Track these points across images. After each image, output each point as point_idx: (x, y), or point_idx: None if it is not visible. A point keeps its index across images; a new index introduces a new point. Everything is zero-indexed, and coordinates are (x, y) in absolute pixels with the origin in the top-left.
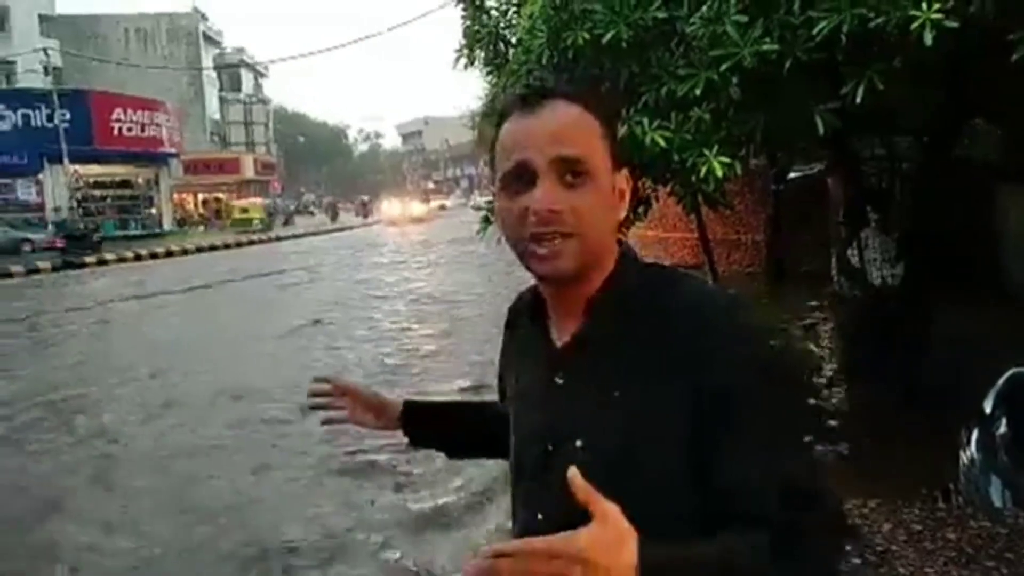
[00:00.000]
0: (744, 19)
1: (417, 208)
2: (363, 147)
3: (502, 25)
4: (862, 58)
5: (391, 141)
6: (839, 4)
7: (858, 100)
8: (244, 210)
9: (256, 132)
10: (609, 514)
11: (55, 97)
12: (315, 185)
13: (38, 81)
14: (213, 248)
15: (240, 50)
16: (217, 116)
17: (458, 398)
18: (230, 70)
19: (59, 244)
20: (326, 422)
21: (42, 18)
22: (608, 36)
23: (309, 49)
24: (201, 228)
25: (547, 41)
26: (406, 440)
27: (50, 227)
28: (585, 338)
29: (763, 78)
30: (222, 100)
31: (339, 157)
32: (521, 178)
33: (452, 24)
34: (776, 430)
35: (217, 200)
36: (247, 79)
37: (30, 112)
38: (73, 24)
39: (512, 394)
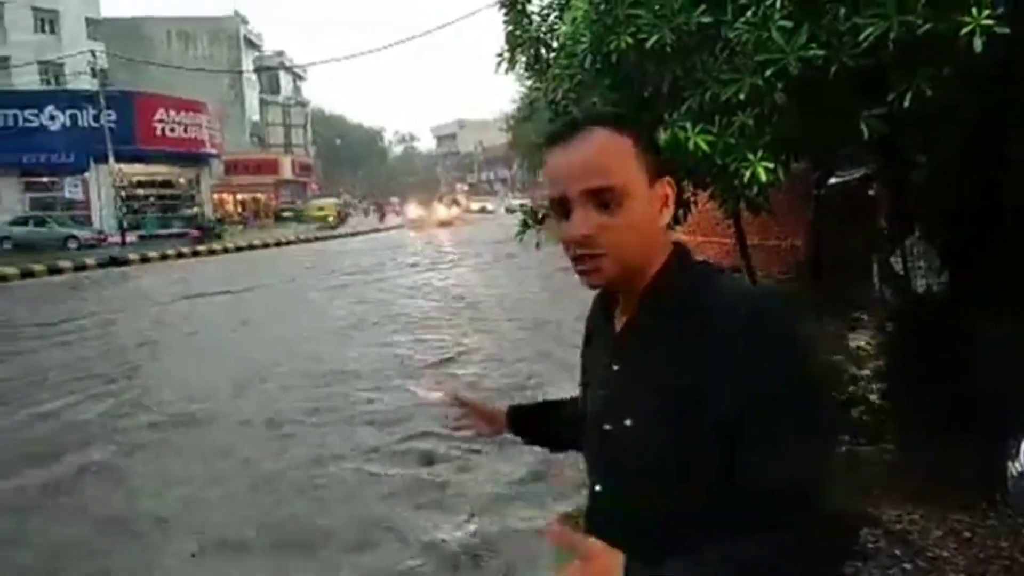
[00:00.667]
0: (789, 24)
1: (442, 212)
2: (398, 149)
3: (544, 30)
4: (910, 64)
5: (426, 144)
6: (886, 10)
7: (905, 106)
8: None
9: (295, 134)
10: (592, 551)
11: (101, 98)
12: (351, 187)
13: (85, 82)
14: (252, 247)
15: (279, 53)
16: (256, 118)
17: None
18: (269, 72)
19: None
20: (456, 428)
21: (89, 21)
22: (652, 41)
23: (346, 52)
24: (240, 227)
25: (590, 46)
26: (518, 439)
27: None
28: (633, 328)
29: (808, 83)
30: (262, 102)
31: (374, 159)
32: (561, 208)
33: (488, 26)
34: (806, 432)
35: (256, 200)
36: (286, 81)
37: (77, 112)
38: (119, 26)
39: (586, 382)
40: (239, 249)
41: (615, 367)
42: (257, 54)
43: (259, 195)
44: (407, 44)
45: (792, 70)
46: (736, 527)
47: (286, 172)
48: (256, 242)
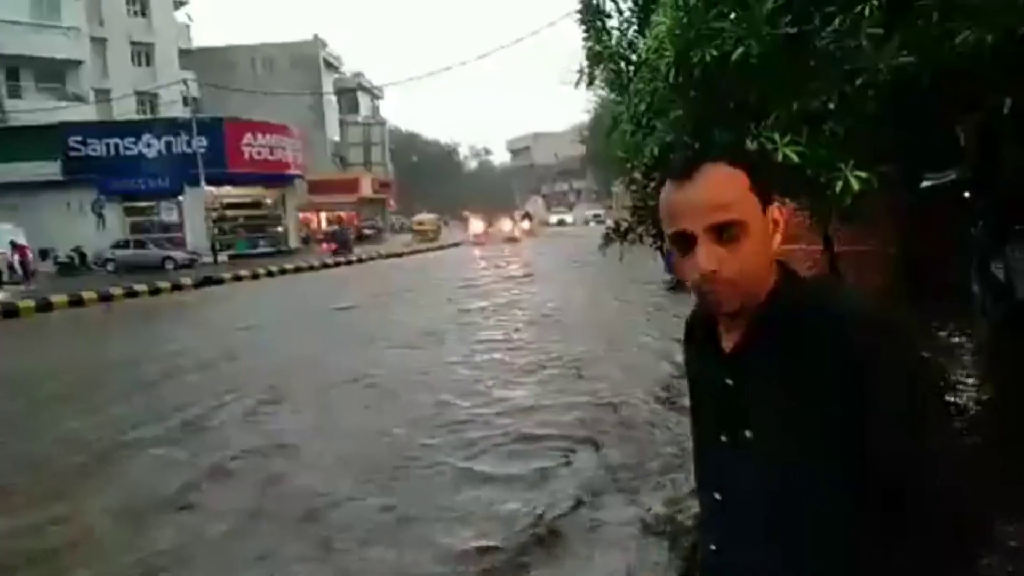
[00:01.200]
0: (879, 32)
1: (508, 227)
2: (473, 164)
3: (624, 45)
4: (1009, 68)
5: (500, 157)
6: (983, 14)
7: (1005, 111)
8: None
9: (373, 152)
10: None
11: (194, 125)
12: (430, 203)
13: (178, 110)
14: (337, 264)
15: (358, 74)
16: (337, 138)
17: None
18: (348, 94)
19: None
20: None
21: (181, 52)
22: (737, 53)
23: (422, 69)
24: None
25: (674, 59)
26: None
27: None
28: (747, 343)
29: (900, 91)
30: (341, 123)
31: (450, 174)
32: (684, 241)
33: (563, 39)
34: (934, 432)
35: (339, 219)
36: (364, 102)
37: (172, 139)
38: (207, 55)
39: (693, 394)
40: (325, 266)
41: (729, 382)
42: (337, 76)
43: (342, 213)
44: (482, 59)
45: (883, 78)
46: (858, 529)
47: (366, 190)
48: (340, 259)
